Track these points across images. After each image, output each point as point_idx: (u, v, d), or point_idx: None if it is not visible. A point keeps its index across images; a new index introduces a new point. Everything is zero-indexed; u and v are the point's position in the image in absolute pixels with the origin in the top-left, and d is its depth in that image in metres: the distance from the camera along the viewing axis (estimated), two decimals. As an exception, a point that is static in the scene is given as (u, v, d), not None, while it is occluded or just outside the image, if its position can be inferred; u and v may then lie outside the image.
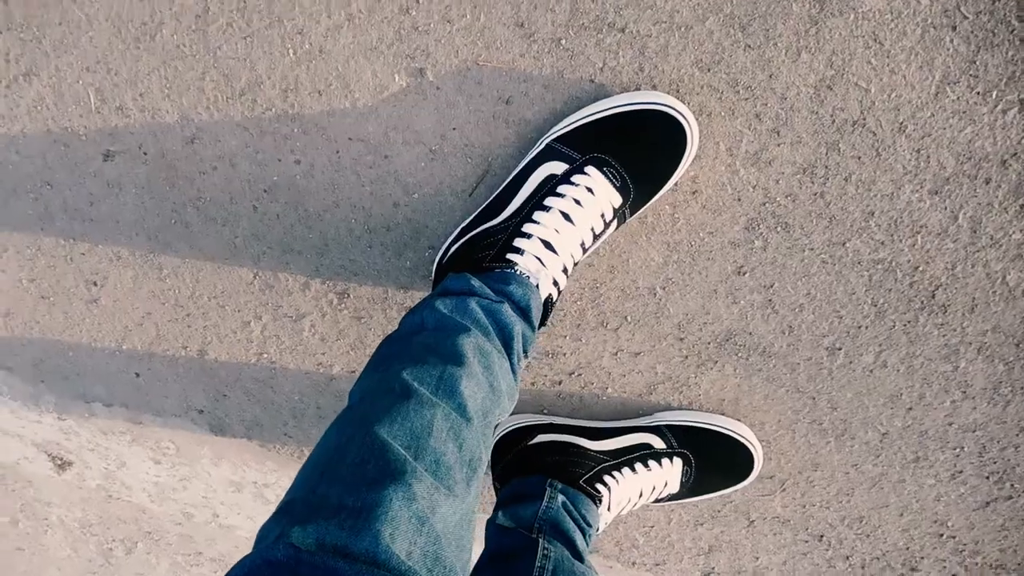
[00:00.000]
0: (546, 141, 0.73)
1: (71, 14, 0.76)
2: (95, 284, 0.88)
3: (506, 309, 0.62)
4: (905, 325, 0.82)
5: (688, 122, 0.71)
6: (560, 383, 0.88)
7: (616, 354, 0.86)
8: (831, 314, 0.82)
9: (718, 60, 0.73)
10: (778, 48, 0.72)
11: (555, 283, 0.69)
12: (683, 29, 0.72)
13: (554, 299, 0.70)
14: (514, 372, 0.63)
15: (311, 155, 0.79)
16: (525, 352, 0.67)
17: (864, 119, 0.74)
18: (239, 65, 0.76)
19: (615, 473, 0.79)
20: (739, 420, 0.88)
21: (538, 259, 0.68)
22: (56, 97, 0.79)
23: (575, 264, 0.72)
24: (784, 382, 0.85)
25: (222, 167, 0.80)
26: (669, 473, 0.82)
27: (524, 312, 0.65)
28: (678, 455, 0.83)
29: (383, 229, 0.82)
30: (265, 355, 0.91)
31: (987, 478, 0.87)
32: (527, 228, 0.68)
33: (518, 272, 0.67)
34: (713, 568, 0.98)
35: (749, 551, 0.96)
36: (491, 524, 0.73)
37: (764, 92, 0.74)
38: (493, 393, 0.56)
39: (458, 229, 0.76)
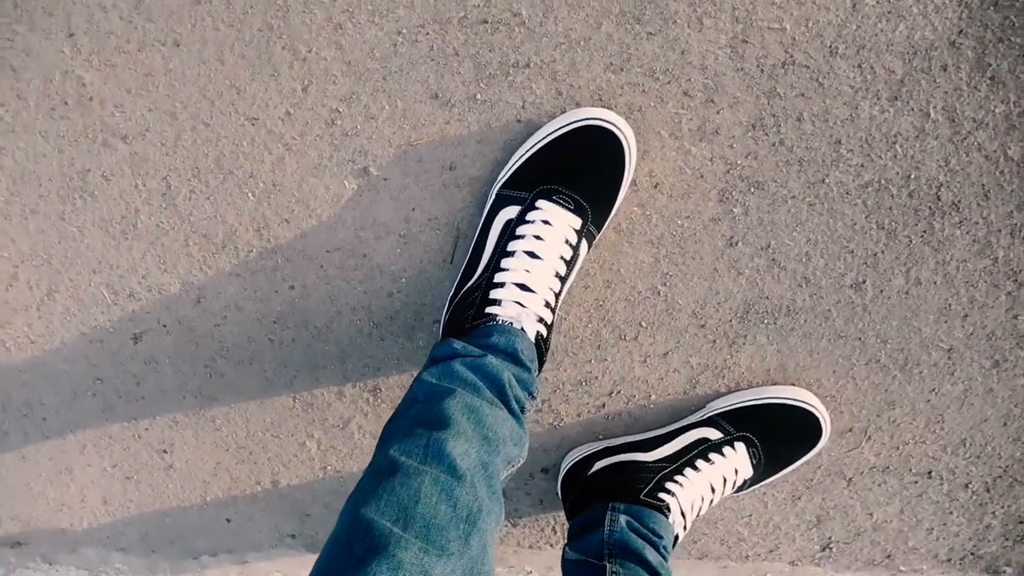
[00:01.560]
0: (495, 191, 0.76)
1: (65, 231, 0.86)
2: (165, 452, 0.97)
3: (490, 360, 0.65)
4: (922, 236, 0.79)
5: (617, 126, 0.72)
6: (603, 406, 0.89)
7: (645, 361, 0.86)
8: (841, 252, 0.80)
9: (627, 58, 0.74)
10: (679, 24, 0.73)
11: (540, 319, 0.71)
12: (583, 43, 0.74)
13: (544, 335, 0.72)
14: (516, 416, 0.65)
15: (301, 277, 0.85)
16: (530, 393, 0.69)
17: (792, 57, 0.73)
18: (212, 222, 0.84)
19: (677, 477, 0.79)
20: (792, 385, 0.86)
21: (516, 303, 0.70)
22: (78, 304, 0.89)
23: (558, 294, 0.74)
24: (822, 333, 0.83)
25: (231, 314, 0.88)
26: (735, 460, 0.81)
27: (512, 357, 0.67)
28: (738, 440, 0.82)
29: (387, 320, 0.86)
30: (329, 466, 0.96)
31: (1078, 360, 0.82)
32: (498, 278, 0.71)
33: (499, 322, 0.69)
34: (830, 538, 0.95)
35: (860, 510, 0.93)
36: (563, 560, 0.75)
37: (683, 70, 0.74)
38: (489, 444, 0.58)
39: (447, 299, 0.80)
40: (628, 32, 0.74)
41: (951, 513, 0.92)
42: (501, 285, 0.71)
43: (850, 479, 0.91)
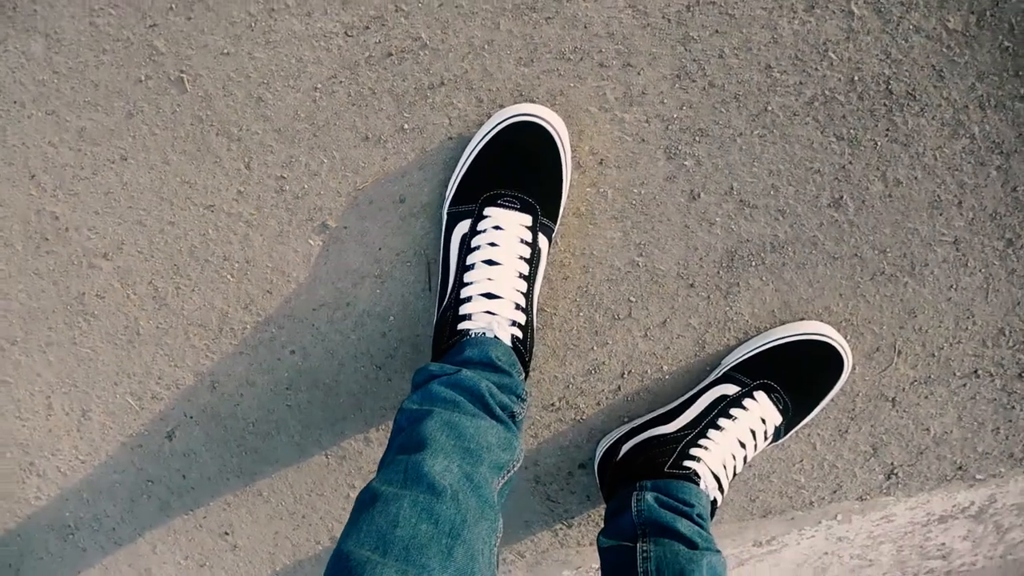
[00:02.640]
0: (445, 210, 0.78)
1: (80, 353, 0.92)
2: (227, 533, 1.03)
3: (464, 374, 0.66)
4: (887, 135, 0.76)
5: (540, 115, 0.73)
6: (619, 388, 0.89)
7: (646, 335, 0.86)
8: (808, 174, 0.78)
9: (534, 48, 0.75)
10: (574, 1, 0.73)
11: (513, 323, 0.72)
12: (487, 46, 0.75)
13: (521, 336, 0.73)
14: (503, 421, 0.66)
15: (297, 340, 0.89)
16: (517, 396, 0.70)
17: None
18: (204, 311, 0.88)
19: (701, 442, 0.78)
20: (801, 320, 0.84)
21: (486, 312, 0.72)
22: (111, 417, 0.96)
23: (526, 293, 0.74)
24: (816, 260, 0.81)
25: (246, 391, 0.92)
26: (759, 410, 0.80)
27: (489, 366, 0.68)
28: (757, 389, 0.80)
29: (388, 360, 0.89)
30: (379, 512, 0.99)
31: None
32: (464, 292, 0.73)
33: (472, 335, 0.71)
34: (891, 464, 0.91)
35: (914, 428, 0.89)
36: (599, 549, 0.75)
37: (591, 43, 0.75)
38: (471, 455, 0.59)
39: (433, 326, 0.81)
40: (527, 23, 0.75)
41: (1012, 407, 0.87)
42: (468, 300, 0.73)
43: (894, 399, 0.87)
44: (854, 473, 0.91)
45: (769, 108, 0.76)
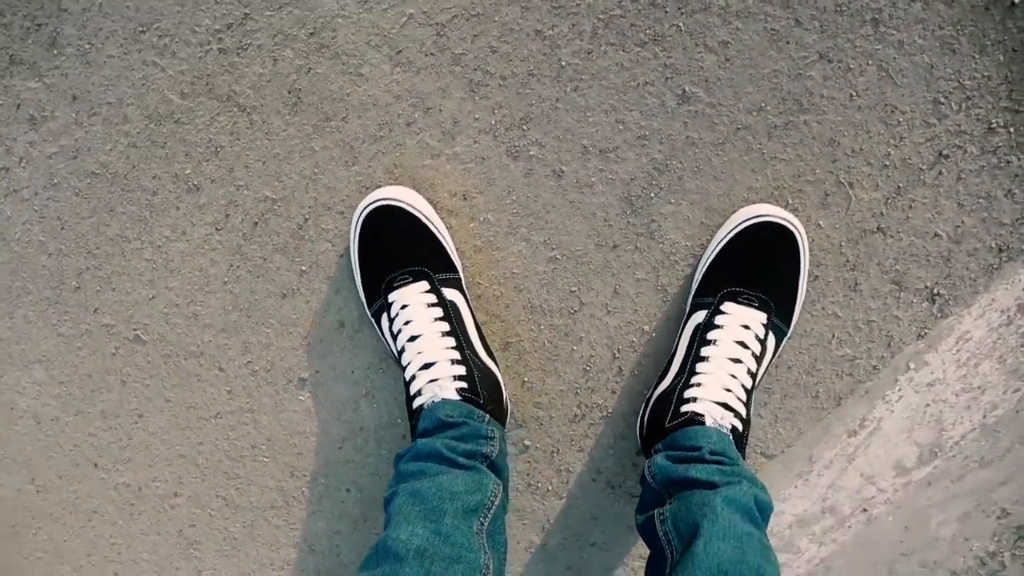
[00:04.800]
0: (369, 313, 0.85)
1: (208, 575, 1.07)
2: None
3: (419, 443, 0.72)
4: (683, 12, 0.75)
5: (393, 198, 0.79)
6: (620, 368, 0.89)
7: (608, 311, 0.87)
8: (640, 92, 0.78)
9: (349, 147, 0.83)
10: (356, 95, 0.80)
11: (456, 377, 0.76)
12: (315, 170, 0.84)
13: (467, 385, 0.76)
14: (471, 468, 0.70)
15: (345, 479, 0.98)
16: (486, 437, 0.74)
17: (441, 29, 0.77)
18: (266, 495, 1.01)
19: (692, 381, 0.77)
20: (732, 215, 0.81)
21: (429, 382, 0.77)
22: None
23: (458, 346, 0.79)
24: (705, 156, 0.80)
25: (337, 539, 1.03)
26: (735, 319, 0.78)
27: (441, 426, 0.73)
28: (721, 302, 0.78)
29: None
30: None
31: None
32: (408, 374, 0.79)
33: (424, 408, 0.76)
34: (925, 286, 0.83)
35: (919, 240, 0.82)
36: (637, 529, 0.74)
37: (387, 112, 0.81)
38: (436, 512, 0.64)
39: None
40: (331, 132, 0.83)
41: (1007, 162, 0.78)
42: (413, 379, 0.78)
43: (879, 228, 0.81)
44: (895, 317, 0.85)
45: (564, 63, 0.78)
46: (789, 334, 0.83)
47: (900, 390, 0.88)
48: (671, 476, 0.71)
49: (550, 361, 0.90)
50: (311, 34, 0.80)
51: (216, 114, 0.84)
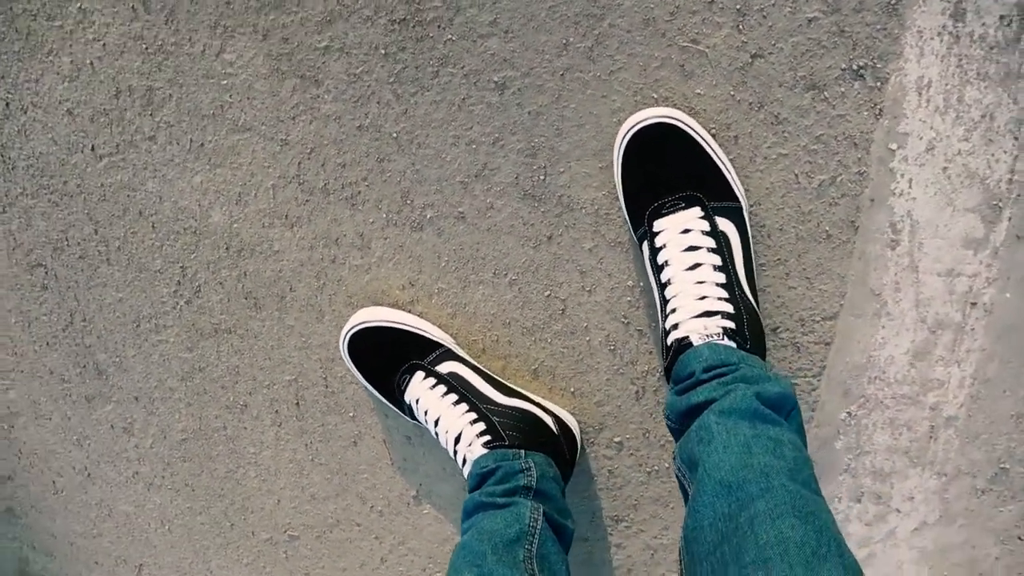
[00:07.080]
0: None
1: None
2: None
3: (465, 500, 0.79)
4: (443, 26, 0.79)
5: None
6: (639, 332, 0.89)
7: (589, 292, 0.88)
8: (464, 112, 0.82)
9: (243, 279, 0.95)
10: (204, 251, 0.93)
11: (479, 434, 0.83)
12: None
13: (490, 438, 0.82)
14: (508, 504, 0.75)
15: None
16: (520, 471, 0.78)
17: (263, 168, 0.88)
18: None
19: (667, 310, 0.76)
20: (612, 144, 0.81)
21: (455, 441, 0.84)
22: None
23: (462, 400, 0.85)
24: (557, 113, 0.81)
25: None
26: (671, 234, 0.75)
27: (478, 477, 0.80)
28: (651, 222, 0.77)
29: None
30: None
31: None
32: (442, 441, 0.86)
33: (467, 470, 0.83)
34: (851, 64, 0.75)
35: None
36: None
37: (239, 258, 0.92)
38: (477, 556, 0.69)
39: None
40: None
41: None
42: (456, 440, 0.85)
43: (753, 54, 0.76)
44: (839, 116, 0.77)
45: (395, 134, 0.85)
46: (744, 206, 0.79)
47: (903, 174, 0.78)
48: (679, 411, 0.71)
49: (578, 362, 0.92)
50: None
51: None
